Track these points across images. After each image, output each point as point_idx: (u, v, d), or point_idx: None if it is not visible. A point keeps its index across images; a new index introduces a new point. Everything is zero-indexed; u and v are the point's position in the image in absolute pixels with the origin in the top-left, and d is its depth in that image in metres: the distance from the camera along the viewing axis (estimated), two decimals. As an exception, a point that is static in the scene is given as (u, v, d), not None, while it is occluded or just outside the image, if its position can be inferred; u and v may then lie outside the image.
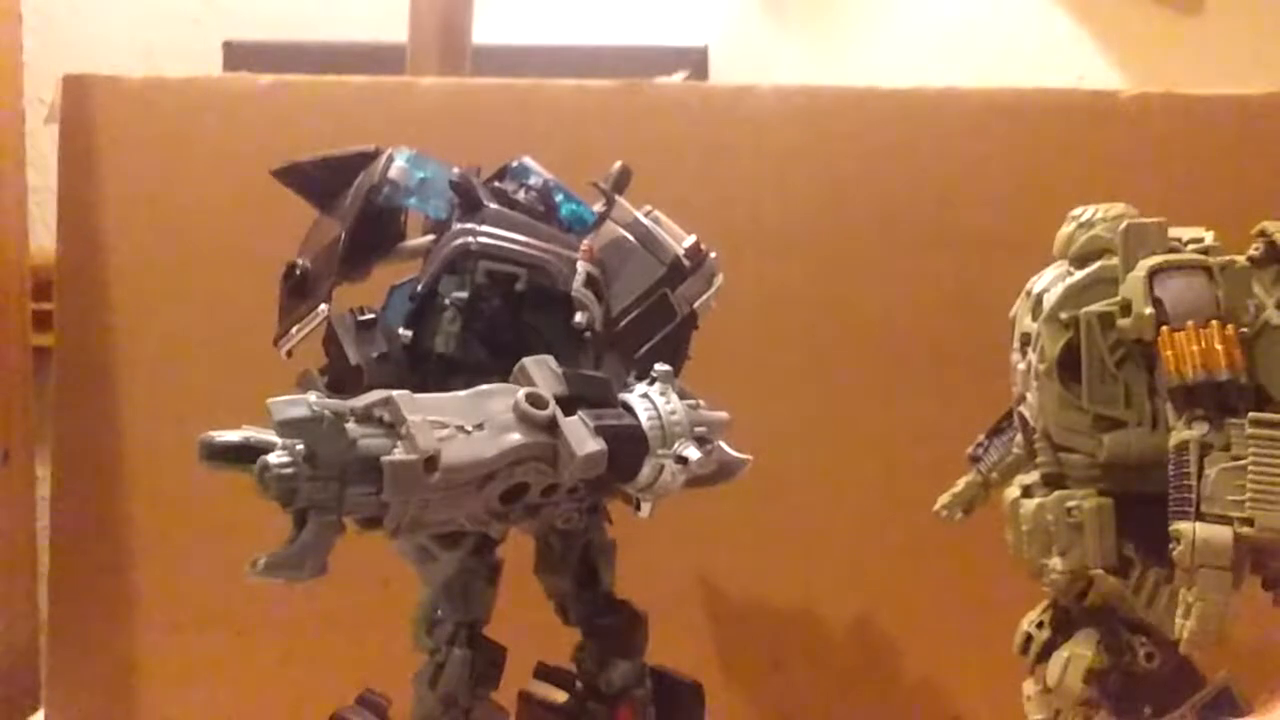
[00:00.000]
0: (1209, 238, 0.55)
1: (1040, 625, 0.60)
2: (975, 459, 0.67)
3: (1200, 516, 0.49)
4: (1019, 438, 0.62)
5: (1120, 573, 0.53)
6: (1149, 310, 0.52)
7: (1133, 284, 0.53)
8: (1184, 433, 0.50)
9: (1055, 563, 0.55)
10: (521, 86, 0.90)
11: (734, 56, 1.37)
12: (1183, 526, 0.49)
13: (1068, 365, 0.54)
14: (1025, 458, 0.61)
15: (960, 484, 0.68)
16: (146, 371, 0.89)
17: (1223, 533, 0.48)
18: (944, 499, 0.68)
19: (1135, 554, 0.53)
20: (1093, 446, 0.54)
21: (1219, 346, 0.50)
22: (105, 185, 0.89)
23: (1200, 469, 0.49)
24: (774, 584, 0.87)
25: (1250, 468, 0.48)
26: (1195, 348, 0.50)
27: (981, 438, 0.67)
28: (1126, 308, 0.53)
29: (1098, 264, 0.55)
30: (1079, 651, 0.56)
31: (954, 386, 0.85)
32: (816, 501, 0.87)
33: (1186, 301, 0.51)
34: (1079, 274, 0.55)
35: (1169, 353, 0.51)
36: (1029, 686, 0.61)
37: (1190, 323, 0.51)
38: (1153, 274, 0.52)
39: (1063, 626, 0.58)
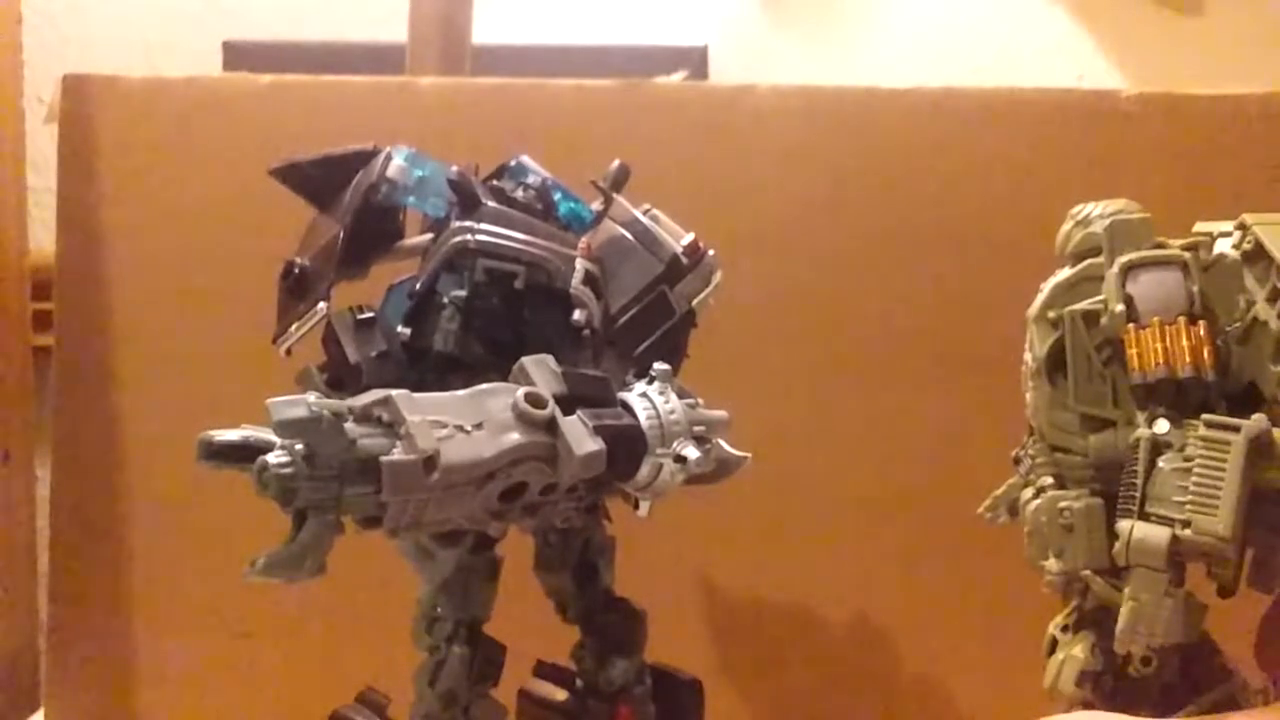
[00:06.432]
0: (1231, 226, 0.53)
1: (1065, 629, 0.58)
2: (1017, 460, 0.66)
3: (1144, 515, 0.48)
4: None
5: (1112, 574, 0.52)
6: (1120, 307, 0.51)
7: (1108, 281, 0.52)
8: (1140, 430, 0.49)
9: (1051, 564, 0.54)
10: (521, 86, 0.89)
11: (734, 56, 1.37)
12: (1123, 524, 0.49)
13: (1057, 364, 0.54)
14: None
15: (1003, 486, 0.66)
16: (146, 371, 0.89)
17: (1159, 533, 0.48)
18: (988, 502, 0.67)
19: None
20: (1083, 446, 0.53)
21: (1184, 344, 0.49)
22: (105, 185, 0.89)
23: (1150, 467, 0.49)
24: (774, 583, 0.87)
25: (1195, 469, 0.47)
26: (1159, 345, 0.49)
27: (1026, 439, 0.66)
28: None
29: (1086, 262, 0.54)
30: (1074, 654, 0.55)
31: (954, 386, 0.85)
32: (816, 500, 0.86)
33: (1156, 298, 0.50)
34: (1067, 272, 0.55)
35: (1133, 350, 0.50)
36: None
37: (1157, 319, 0.50)
38: (1126, 270, 0.51)
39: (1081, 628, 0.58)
